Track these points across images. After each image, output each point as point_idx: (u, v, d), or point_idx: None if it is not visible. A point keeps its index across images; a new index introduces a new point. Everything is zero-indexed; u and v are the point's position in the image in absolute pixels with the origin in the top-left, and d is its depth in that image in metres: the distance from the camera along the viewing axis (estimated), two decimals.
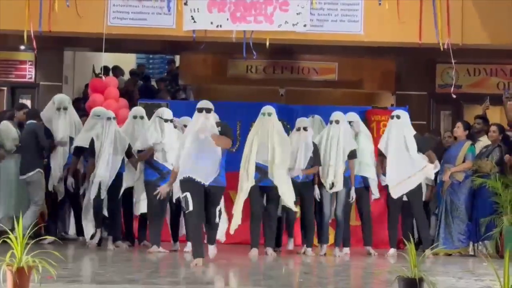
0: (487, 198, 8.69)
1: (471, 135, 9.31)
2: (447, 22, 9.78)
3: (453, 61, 9.71)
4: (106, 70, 12.57)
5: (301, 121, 8.67)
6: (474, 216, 8.85)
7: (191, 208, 6.92)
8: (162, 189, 7.65)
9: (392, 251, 8.57)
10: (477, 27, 9.99)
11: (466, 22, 9.95)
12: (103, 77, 11.13)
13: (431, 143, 9.30)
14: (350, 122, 8.83)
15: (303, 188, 8.54)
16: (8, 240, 4.62)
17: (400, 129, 8.63)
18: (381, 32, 10.08)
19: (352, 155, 8.62)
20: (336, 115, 8.73)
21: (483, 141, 9.32)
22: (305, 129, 8.55)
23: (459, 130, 9.11)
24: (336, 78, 14.07)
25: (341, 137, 8.57)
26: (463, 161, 8.95)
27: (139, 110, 9.18)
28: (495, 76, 13.06)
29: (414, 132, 8.70)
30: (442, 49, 9.74)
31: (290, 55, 13.40)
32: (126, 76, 14.27)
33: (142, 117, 9.00)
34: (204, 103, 7.26)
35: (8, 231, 4.80)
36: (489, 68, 13.03)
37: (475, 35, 10.00)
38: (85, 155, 8.86)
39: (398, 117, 8.69)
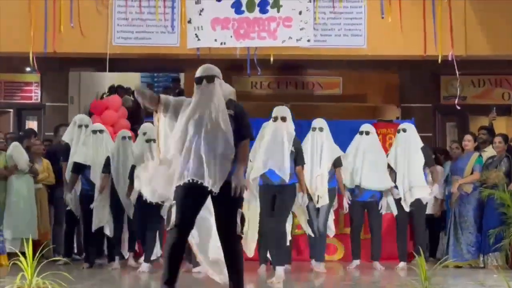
0: (496, 209, 8.65)
1: (477, 146, 9.30)
2: (450, 34, 9.82)
3: (457, 72, 9.73)
4: (115, 89, 12.66)
5: (277, 110, 7.53)
6: (483, 228, 8.81)
7: (172, 223, 4.79)
8: None
9: (401, 264, 8.53)
10: (480, 39, 10.03)
11: (469, 34, 9.99)
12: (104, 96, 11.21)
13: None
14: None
15: (279, 192, 7.27)
16: (18, 262, 4.62)
17: (407, 142, 8.63)
18: (385, 46, 10.12)
19: (338, 163, 8.30)
20: (319, 121, 8.33)
21: (489, 152, 9.31)
22: (283, 119, 7.42)
23: (470, 143, 9.10)
24: (340, 92, 14.11)
25: (325, 145, 8.18)
26: (471, 173, 8.93)
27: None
28: (500, 86, 13.06)
29: (422, 145, 8.70)
30: (440, 61, 9.77)
31: (295, 70, 13.44)
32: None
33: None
34: (205, 69, 5.06)
35: (18, 253, 4.80)
36: (493, 79, 13.03)
37: (479, 46, 10.04)
38: (85, 172, 8.64)
39: (404, 130, 8.72)
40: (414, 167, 8.53)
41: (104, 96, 12.80)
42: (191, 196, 4.82)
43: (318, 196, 8.07)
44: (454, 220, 8.95)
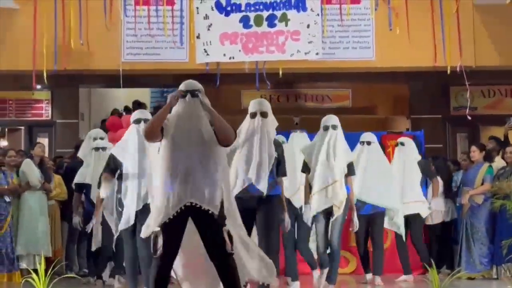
0: (508, 219, 8.59)
1: (489, 156, 9.25)
2: (458, 45, 9.81)
3: (467, 83, 9.71)
4: (138, 104, 12.76)
5: (255, 105, 6.24)
6: (496, 239, 8.76)
7: (160, 251, 4.64)
8: None
9: (403, 277, 8.49)
10: (489, 49, 10.02)
11: (478, 45, 9.98)
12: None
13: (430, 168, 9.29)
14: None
15: (259, 206, 6.07)
16: (30, 280, 4.63)
17: (405, 155, 8.65)
18: (393, 57, 10.13)
19: (350, 170, 7.28)
20: (331, 118, 7.33)
21: (497, 162, 9.28)
22: (263, 114, 6.16)
23: (476, 153, 9.07)
24: (350, 104, 14.12)
25: (339, 145, 7.17)
26: (482, 184, 8.89)
27: None
28: (510, 96, 13.02)
29: (419, 158, 8.69)
30: (449, 72, 9.77)
31: (304, 83, 13.46)
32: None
33: None
34: (189, 84, 4.98)
35: (30, 270, 4.81)
36: (504, 88, 13.00)
37: (488, 57, 10.03)
38: (87, 190, 8.37)
39: (402, 144, 8.74)
40: (407, 182, 8.53)
41: (122, 111, 12.85)
42: (177, 222, 4.67)
43: (333, 206, 7.14)
44: (465, 231, 8.91)
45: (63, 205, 9.57)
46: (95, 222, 7.58)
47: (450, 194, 9.58)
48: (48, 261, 7.76)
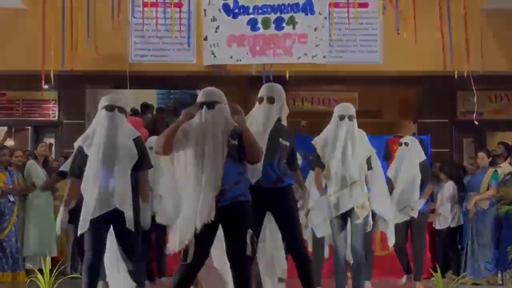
0: None
1: (493, 161, 9.24)
2: (466, 49, 9.80)
3: (474, 88, 9.69)
4: (146, 106, 12.73)
5: (263, 89, 5.73)
6: (501, 244, 8.74)
7: (190, 259, 4.61)
8: None
9: (404, 278, 8.43)
10: (496, 54, 10.01)
11: (485, 49, 9.97)
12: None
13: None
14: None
15: (272, 199, 5.43)
16: (35, 280, 4.65)
17: (410, 157, 8.23)
18: (400, 61, 10.12)
19: (369, 164, 6.44)
20: (347, 107, 6.49)
21: (504, 167, 9.26)
22: (270, 100, 5.65)
23: (484, 160, 9.02)
24: (356, 108, 14.05)
25: (357, 139, 6.32)
26: (487, 189, 8.87)
27: None
28: None
29: (423, 159, 8.29)
30: (456, 77, 9.75)
31: (310, 86, 13.45)
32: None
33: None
34: (206, 94, 4.83)
35: (35, 270, 4.83)
36: (511, 94, 12.97)
37: (495, 62, 10.02)
38: None
39: (406, 144, 8.22)
40: (412, 184, 8.19)
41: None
42: (208, 232, 4.59)
43: (354, 208, 6.25)
44: (471, 236, 8.89)
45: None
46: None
47: (461, 199, 9.46)
48: (54, 261, 7.77)
